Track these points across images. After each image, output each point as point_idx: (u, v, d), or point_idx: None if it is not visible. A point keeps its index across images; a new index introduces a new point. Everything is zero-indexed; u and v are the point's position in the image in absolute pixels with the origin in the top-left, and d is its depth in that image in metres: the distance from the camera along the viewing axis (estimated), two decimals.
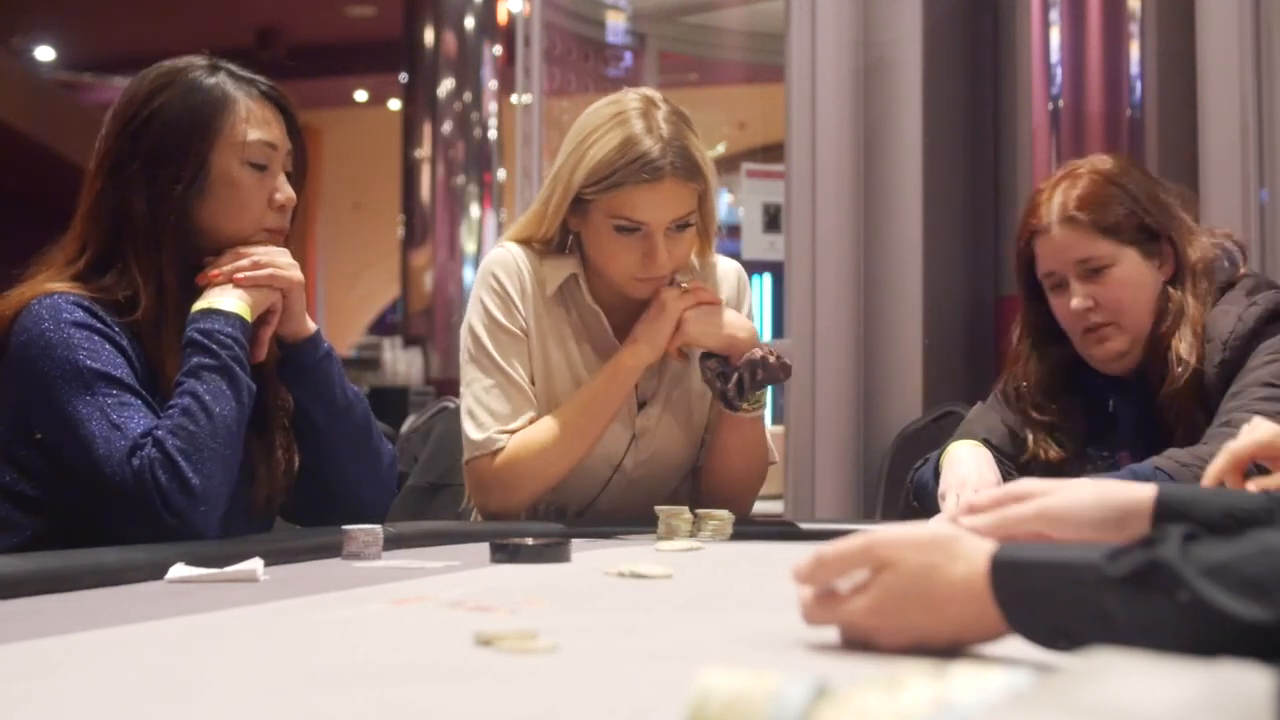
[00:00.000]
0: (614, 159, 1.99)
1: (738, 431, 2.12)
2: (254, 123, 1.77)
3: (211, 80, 1.77)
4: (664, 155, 1.98)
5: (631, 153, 1.99)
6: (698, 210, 2.05)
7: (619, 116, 2.02)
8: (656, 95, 2.08)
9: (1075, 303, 2.04)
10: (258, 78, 1.81)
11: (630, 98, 2.05)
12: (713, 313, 2.07)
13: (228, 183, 1.76)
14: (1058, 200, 2.06)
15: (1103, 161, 2.11)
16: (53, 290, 1.70)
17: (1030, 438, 2.11)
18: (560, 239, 2.13)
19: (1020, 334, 2.18)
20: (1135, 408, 2.08)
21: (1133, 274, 2.05)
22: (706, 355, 2.08)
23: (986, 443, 2.15)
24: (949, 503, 1.92)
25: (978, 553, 0.90)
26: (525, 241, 2.14)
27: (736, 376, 2.05)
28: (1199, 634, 0.77)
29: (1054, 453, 2.09)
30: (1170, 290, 2.05)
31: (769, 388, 2.12)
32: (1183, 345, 2.00)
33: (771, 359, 2.05)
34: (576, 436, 2.06)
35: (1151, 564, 0.80)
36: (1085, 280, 2.05)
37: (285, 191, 1.79)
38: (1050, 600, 0.85)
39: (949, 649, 0.91)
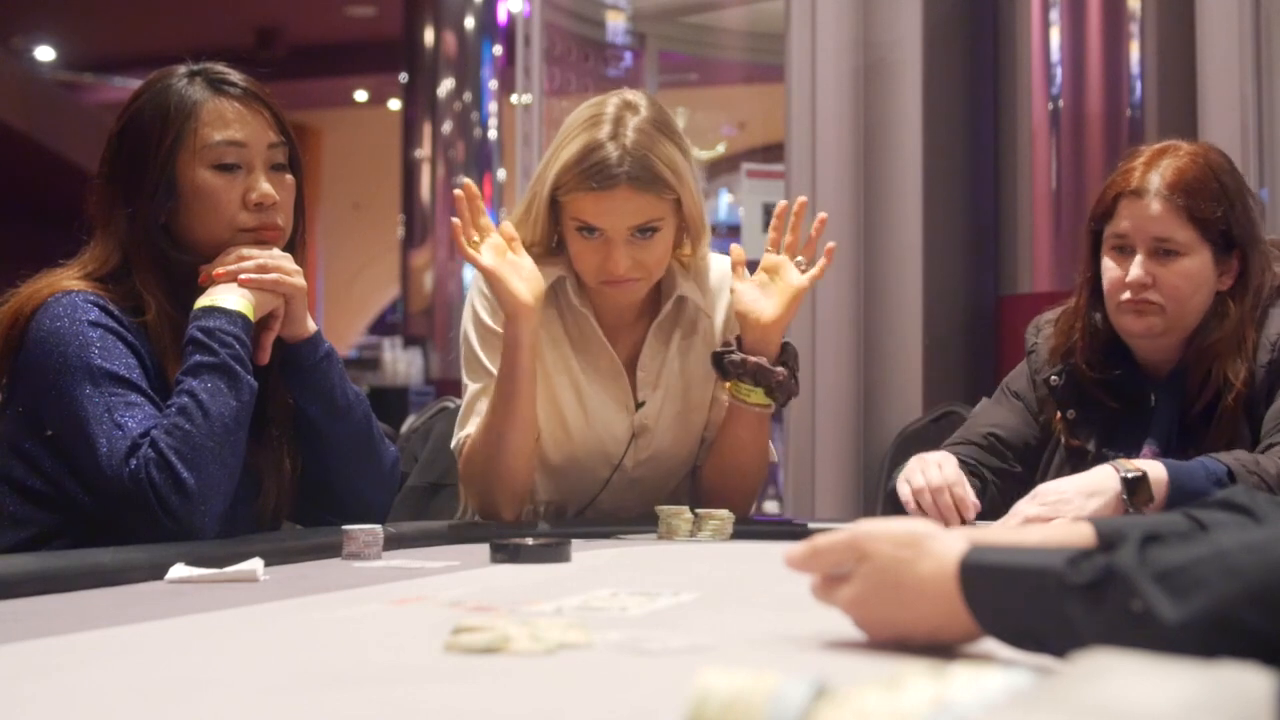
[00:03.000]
0: (573, 163, 1.99)
1: (745, 425, 2.11)
2: (217, 124, 1.75)
3: (181, 87, 1.76)
4: (619, 164, 1.97)
5: (588, 160, 1.98)
6: (668, 217, 2.03)
7: (591, 120, 2.02)
8: (642, 100, 2.06)
9: (1136, 273, 2.00)
10: (233, 76, 1.79)
11: (611, 100, 2.04)
12: (769, 293, 2.06)
13: (195, 189, 1.74)
14: (1160, 172, 2.01)
15: (1205, 149, 2.07)
16: (71, 288, 1.71)
17: (1056, 415, 2.09)
18: (549, 241, 2.13)
19: (1083, 296, 2.11)
20: (1172, 408, 2.07)
21: (1199, 271, 2.01)
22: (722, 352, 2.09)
23: (991, 436, 2.15)
24: (912, 477, 1.94)
25: (948, 552, 0.92)
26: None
27: (742, 363, 2.05)
28: (1155, 642, 0.77)
29: (1073, 440, 2.08)
30: (1229, 302, 2.02)
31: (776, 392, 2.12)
32: (1237, 368, 1.98)
33: (780, 378, 2.06)
34: (500, 422, 2.00)
35: (1108, 572, 0.81)
36: (1153, 257, 2.01)
37: (260, 189, 1.75)
38: (1016, 606, 0.87)
39: (933, 645, 0.92)
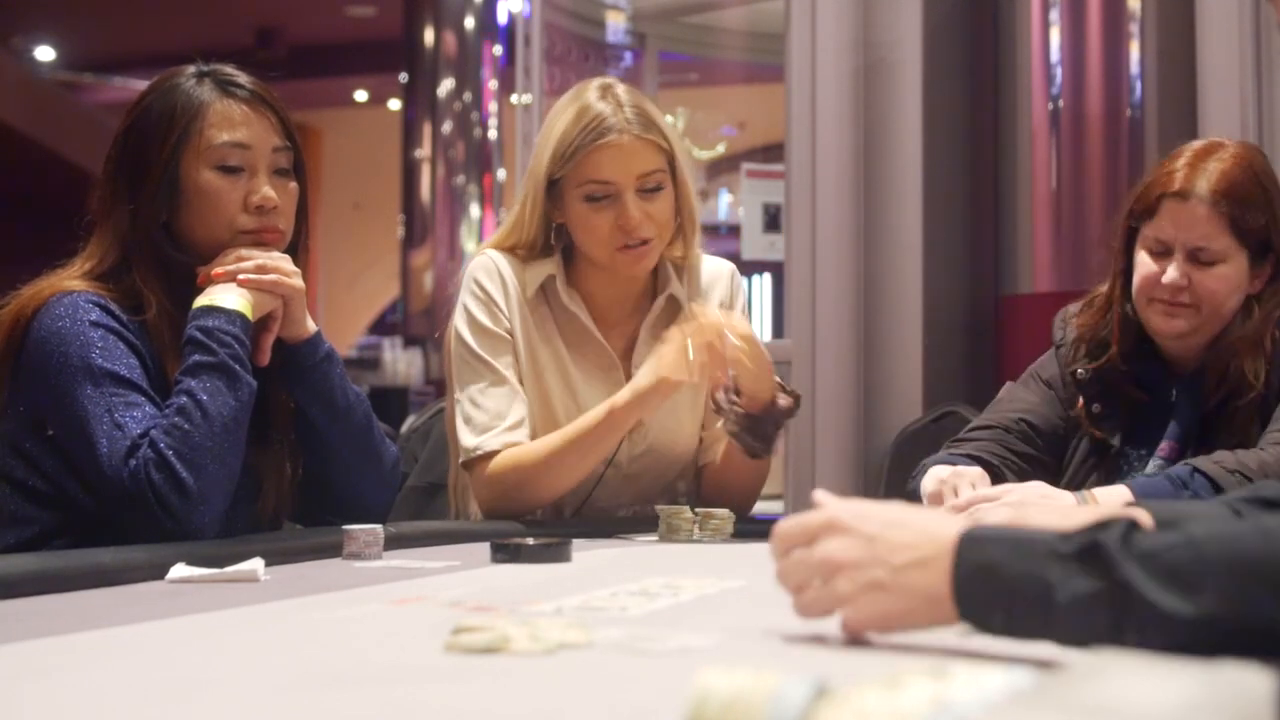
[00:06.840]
0: (572, 130, 2.05)
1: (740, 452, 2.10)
2: (222, 126, 1.75)
3: (189, 86, 1.76)
4: (616, 114, 2.04)
5: (586, 118, 2.05)
6: (667, 174, 2.07)
7: (576, 94, 2.10)
8: (615, 81, 2.14)
9: (1172, 275, 1.98)
10: (241, 78, 1.79)
11: (591, 83, 2.12)
12: (765, 369, 1.99)
13: (197, 190, 1.75)
14: (1206, 176, 1.98)
15: (1249, 150, 2.05)
16: (72, 289, 1.71)
17: (1079, 404, 2.08)
18: (543, 242, 2.14)
19: (1116, 288, 2.09)
20: (1191, 404, 2.06)
21: (1234, 276, 2.00)
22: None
23: (1024, 422, 2.14)
24: (949, 501, 1.90)
25: (947, 524, 0.94)
26: (509, 249, 2.15)
27: (730, 415, 2.02)
28: (1123, 616, 0.82)
29: (1096, 433, 2.08)
30: (1254, 303, 2.01)
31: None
32: (1256, 366, 1.98)
33: (747, 447, 2.03)
34: (562, 470, 2.03)
35: (1094, 544, 0.86)
36: (1190, 261, 1.99)
37: (262, 192, 1.76)
38: (1001, 570, 0.89)
39: (903, 616, 0.93)
